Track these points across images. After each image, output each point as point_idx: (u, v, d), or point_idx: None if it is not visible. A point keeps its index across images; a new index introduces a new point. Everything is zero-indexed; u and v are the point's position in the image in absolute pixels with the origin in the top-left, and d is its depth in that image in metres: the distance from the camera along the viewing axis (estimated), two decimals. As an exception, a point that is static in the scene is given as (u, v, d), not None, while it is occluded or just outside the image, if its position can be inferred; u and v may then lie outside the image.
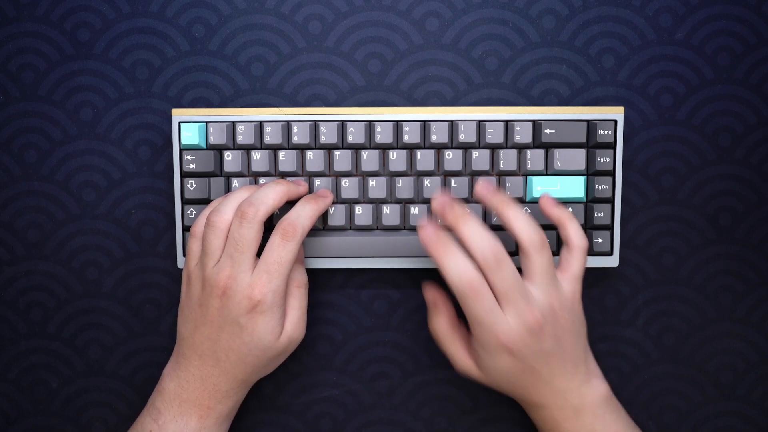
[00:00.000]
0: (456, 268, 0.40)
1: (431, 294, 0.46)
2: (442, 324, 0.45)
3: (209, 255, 0.43)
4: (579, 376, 0.43)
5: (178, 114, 0.47)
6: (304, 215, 0.43)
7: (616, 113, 0.47)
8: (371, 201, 0.47)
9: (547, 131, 0.47)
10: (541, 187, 0.47)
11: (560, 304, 0.42)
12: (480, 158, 0.47)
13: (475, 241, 0.41)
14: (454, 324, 0.45)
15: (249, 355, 0.43)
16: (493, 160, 0.47)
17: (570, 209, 0.47)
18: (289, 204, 0.47)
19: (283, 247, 0.42)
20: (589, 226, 0.47)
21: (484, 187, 0.43)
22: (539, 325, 0.41)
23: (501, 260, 0.41)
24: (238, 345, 0.43)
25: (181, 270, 0.50)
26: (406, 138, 0.47)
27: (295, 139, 0.47)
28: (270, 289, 0.42)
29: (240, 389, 0.45)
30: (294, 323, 0.44)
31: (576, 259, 0.44)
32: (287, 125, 0.47)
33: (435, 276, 0.51)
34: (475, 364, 0.44)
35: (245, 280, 0.42)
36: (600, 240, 0.47)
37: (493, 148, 0.47)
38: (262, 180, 0.47)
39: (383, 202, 0.48)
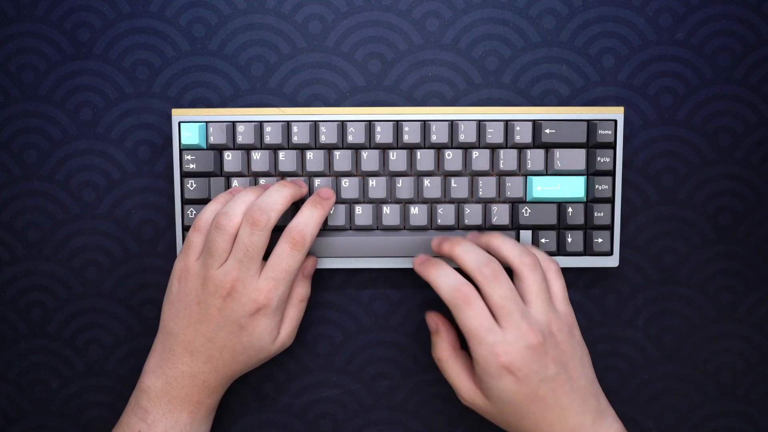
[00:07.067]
0: (446, 279, 0.41)
1: (433, 320, 0.46)
2: (444, 350, 0.45)
3: (214, 256, 0.43)
4: (591, 412, 0.42)
5: (178, 114, 0.47)
6: (312, 222, 0.43)
7: (616, 113, 0.47)
8: (371, 201, 0.47)
9: (547, 131, 0.47)
10: (542, 186, 0.47)
11: (558, 327, 0.42)
12: (480, 158, 0.47)
13: (470, 257, 0.42)
14: (457, 350, 0.45)
15: (243, 354, 0.44)
16: (493, 160, 0.47)
17: (570, 210, 0.47)
18: (293, 205, 0.47)
19: (292, 256, 0.43)
20: (589, 226, 0.47)
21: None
22: (539, 343, 0.40)
23: (497, 273, 0.41)
24: (234, 344, 0.44)
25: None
26: (406, 138, 0.47)
27: (295, 139, 0.47)
28: (276, 294, 0.43)
29: (227, 384, 0.46)
30: (288, 331, 0.46)
31: (552, 280, 0.44)
32: (287, 125, 0.47)
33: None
34: (480, 392, 0.43)
35: (252, 284, 0.43)
36: (600, 240, 0.47)
37: (493, 148, 0.47)
38: (262, 180, 0.47)
39: (383, 202, 0.47)
